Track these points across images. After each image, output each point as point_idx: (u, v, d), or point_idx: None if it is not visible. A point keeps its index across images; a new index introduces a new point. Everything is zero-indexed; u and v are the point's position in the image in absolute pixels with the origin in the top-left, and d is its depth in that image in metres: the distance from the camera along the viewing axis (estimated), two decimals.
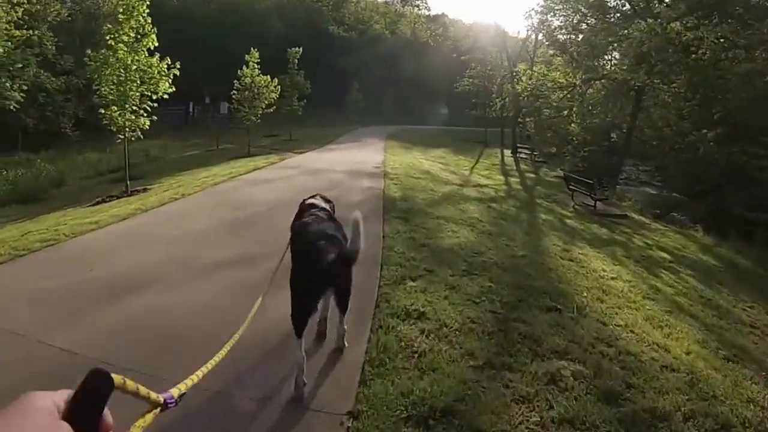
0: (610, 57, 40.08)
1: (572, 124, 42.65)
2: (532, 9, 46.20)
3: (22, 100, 23.21)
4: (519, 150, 46.23)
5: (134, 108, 18.72)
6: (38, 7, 43.43)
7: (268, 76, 33.06)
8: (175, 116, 59.34)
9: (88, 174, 31.19)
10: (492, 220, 14.58)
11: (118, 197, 18.12)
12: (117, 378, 0.96)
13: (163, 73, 19.15)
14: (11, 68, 22.92)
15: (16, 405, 0.80)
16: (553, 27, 45.90)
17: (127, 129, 18.89)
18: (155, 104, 19.38)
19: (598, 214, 22.40)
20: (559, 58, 47.82)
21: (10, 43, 21.02)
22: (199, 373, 1.83)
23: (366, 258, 7.34)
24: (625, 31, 30.01)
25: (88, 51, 18.73)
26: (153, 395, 1.18)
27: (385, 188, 17.11)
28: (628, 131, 35.68)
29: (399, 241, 10.57)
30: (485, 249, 10.83)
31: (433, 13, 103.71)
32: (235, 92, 32.71)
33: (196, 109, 61.59)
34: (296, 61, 44.10)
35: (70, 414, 0.85)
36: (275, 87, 33.60)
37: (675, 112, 26.61)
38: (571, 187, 25.46)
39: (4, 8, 21.23)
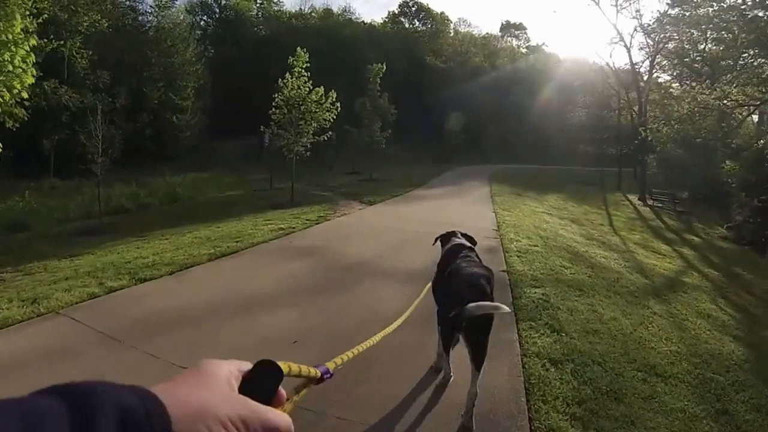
0: None
1: (726, 161, 29.46)
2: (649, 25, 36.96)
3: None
4: (654, 196, 33.65)
5: None
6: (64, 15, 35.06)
7: (322, 87, 21.14)
8: (250, 146, 48.92)
9: (72, 216, 22.40)
10: None
11: None
12: (283, 366, 0.88)
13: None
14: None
15: (197, 370, 0.75)
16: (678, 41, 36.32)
17: None
18: None
19: None
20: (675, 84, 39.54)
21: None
22: (355, 350, 1.55)
23: None
24: None
25: None
26: (312, 371, 1.08)
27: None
28: None
29: None
30: None
31: (532, 44, 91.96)
32: (274, 110, 20.96)
33: (272, 140, 50.93)
34: (378, 80, 32.17)
35: (244, 392, 0.78)
36: (332, 104, 21.36)
37: None
38: None
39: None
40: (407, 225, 14.15)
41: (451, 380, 4.78)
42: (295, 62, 20.67)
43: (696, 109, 25.77)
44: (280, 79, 20.74)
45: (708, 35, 33.42)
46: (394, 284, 8.05)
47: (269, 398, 0.81)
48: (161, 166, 35.57)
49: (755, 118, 36.43)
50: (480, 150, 61.85)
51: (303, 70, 20.70)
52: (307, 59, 20.92)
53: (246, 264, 9.58)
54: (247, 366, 0.82)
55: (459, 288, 4.26)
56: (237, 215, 17.62)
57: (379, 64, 32.23)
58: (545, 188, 31.81)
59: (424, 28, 78.73)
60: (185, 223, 16.76)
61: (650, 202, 33.01)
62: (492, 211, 18.36)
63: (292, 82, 20.41)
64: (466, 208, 19.35)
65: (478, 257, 5.31)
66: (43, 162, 33.23)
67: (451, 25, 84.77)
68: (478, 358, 4.20)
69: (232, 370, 0.78)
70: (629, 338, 6.66)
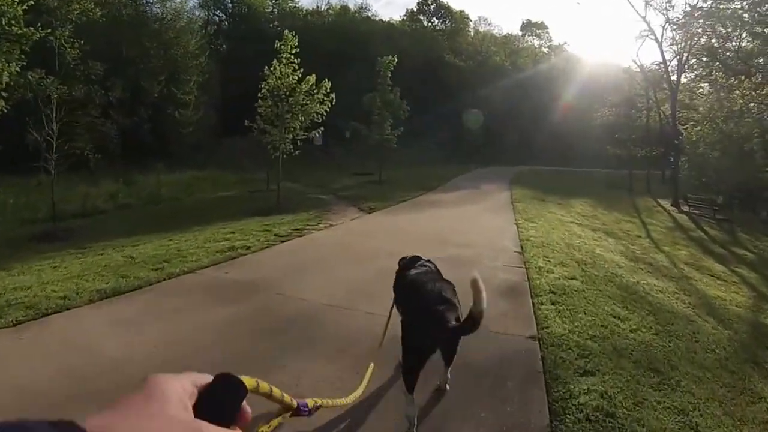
0: None
1: None
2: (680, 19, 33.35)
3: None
4: (690, 202, 29.76)
5: None
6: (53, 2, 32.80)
7: (313, 76, 18.07)
8: (259, 144, 47.01)
9: (41, 216, 20.02)
10: None
11: None
12: (249, 381, 0.79)
13: None
14: None
15: (143, 391, 0.61)
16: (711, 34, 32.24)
17: None
18: None
19: None
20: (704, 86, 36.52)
21: None
22: (340, 402, 1.59)
23: None
24: None
25: None
26: (287, 398, 1.00)
27: None
28: None
29: None
30: None
31: (554, 43, 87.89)
32: (259, 102, 18.24)
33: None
34: (389, 74, 28.75)
35: (200, 411, 0.67)
36: (326, 95, 18.34)
37: None
38: None
39: None
40: (403, 244, 10.15)
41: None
42: (282, 47, 17.74)
43: (751, 104, 22.75)
44: (266, 67, 17.90)
45: (741, 32, 30.22)
46: (351, 362, 4.81)
47: (231, 417, 0.72)
48: (160, 164, 32.85)
49: None
50: (500, 151, 59.05)
51: (292, 56, 17.76)
52: (297, 44, 17.97)
53: (137, 312, 6.34)
54: (205, 379, 0.71)
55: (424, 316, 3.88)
56: (207, 222, 15.44)
57: (391, 56, 29.22)
58: (570, 192, 28.68)
59: (443, 26, 75.55)
60: (142, 232, 14.75)
61: (685, 208, 29.58)
62: (513, 222, 15.16)
63: (279, 69, 17.41)
64: (482, 218, 16.15)
65: (436, 267, 4.95)
66: (31, 157, 30.37)
67: (471, 24, 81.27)
68: (448, 358, 4.22)
69: (185, 386, 0.66)
70: None
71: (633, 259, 12.86)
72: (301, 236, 11.54)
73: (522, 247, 10.95)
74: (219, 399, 0.70)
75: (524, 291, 7.66)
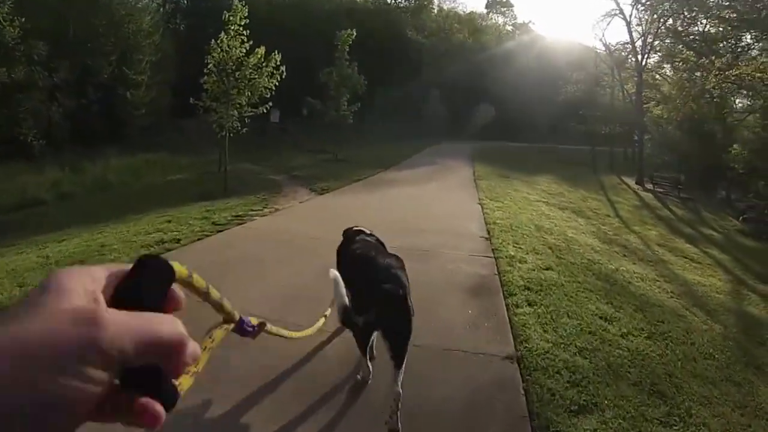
0: None
1: (734, 145, 28.74)
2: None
3: None
4: (655, 180, 29.84)
5: None
6: None
7: (262, 48, 16.62)
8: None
9: None
10: None
11: None
12: (181, 268, 0.62)
13: None
14: None
15: (42, 287, 0.49)
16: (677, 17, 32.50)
17: None
18: None
19: None
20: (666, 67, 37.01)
21: None
22: (285, 332, 1.50)
23: None
24: None
25: None
26: (227, 305, 0.86)
27: None
28: None
29: None
30: None
31: (519, 21, 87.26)
32: (205, 76, 16.66)
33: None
34: (347, 48, 27.62)
35: (119, 301, 0.54)
36: (275, 68, 16.95)
37: None
38: None
39: None
40: (358, 222, 8.98)
41: (370, 382, 4.13)
42: (230, 18, 16.18)
43: (723, 84, 23.68)
44: (213, 40, 16.46)
45: (706, 16, 30.01)
46: (268, 408, 3.66)
47: (154, 301, 0.57)
48: (112, 148, 31.54)
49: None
50: (462, 127, 58.48)
51: (241, 28, 16.27)
52: (246, 15, 16.41)
53: None
54: (125, 268, 0.57)
55: (373, 285, 3.71)
56: (149, 209, 13.90)
57: (349, 30, 27.85)
58: (533, 169, 28.03)
59: (406, 3, 73.72)
60: (77, 224, 13.24)
61: (649, 186, 29.57)
62: (477, 201, 14.09)
63: (227, 42, 16.07)
64: (443, 198, 15.02)
65: (380, 241, 4.91)
66: None
67: (435, 2, 79.26)
68: (397, 355, 3.60)
69: (96, 275, 0.53)
70: None
71: (607, 241, 12.10)
72: (241, 223, 10.15)
73: (489, 232, 9.84)
74: (139, 283, 0.55)
75: (495, 289, 6.49)
